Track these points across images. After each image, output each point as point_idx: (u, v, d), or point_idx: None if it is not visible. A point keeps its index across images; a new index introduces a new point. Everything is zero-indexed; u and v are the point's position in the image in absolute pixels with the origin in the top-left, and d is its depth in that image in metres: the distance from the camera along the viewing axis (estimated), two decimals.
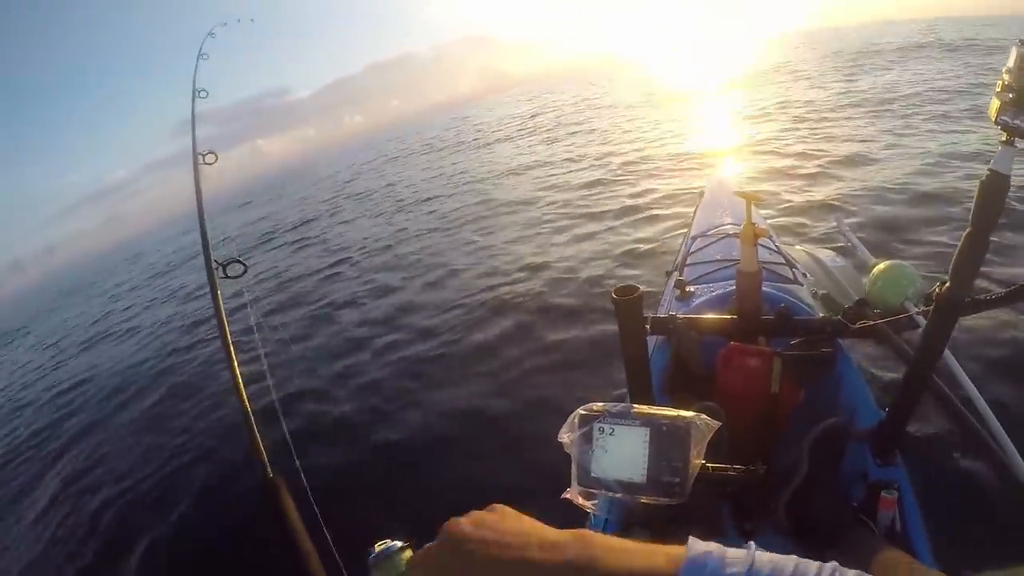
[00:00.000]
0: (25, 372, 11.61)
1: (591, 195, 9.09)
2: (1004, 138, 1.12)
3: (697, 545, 0.49)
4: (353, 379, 4.96)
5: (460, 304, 5.93)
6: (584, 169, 11.30)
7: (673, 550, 0.50)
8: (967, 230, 1.24)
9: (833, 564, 0.46)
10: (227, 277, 2.03)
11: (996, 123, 1.08)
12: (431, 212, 11.20)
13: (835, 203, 6.07)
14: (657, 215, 7.21)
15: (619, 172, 10.26)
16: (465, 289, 6.35)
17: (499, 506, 0.60)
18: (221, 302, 1.96)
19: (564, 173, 11.32)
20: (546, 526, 0.56)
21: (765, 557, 0.47)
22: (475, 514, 0.59)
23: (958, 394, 1.60)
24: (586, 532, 0.54)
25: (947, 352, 1.50)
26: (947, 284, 1.32)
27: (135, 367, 7.99)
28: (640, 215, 7.41)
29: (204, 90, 3.26)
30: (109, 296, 18.55)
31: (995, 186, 1.18)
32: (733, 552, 0.47)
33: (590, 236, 7.09)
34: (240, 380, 1.53)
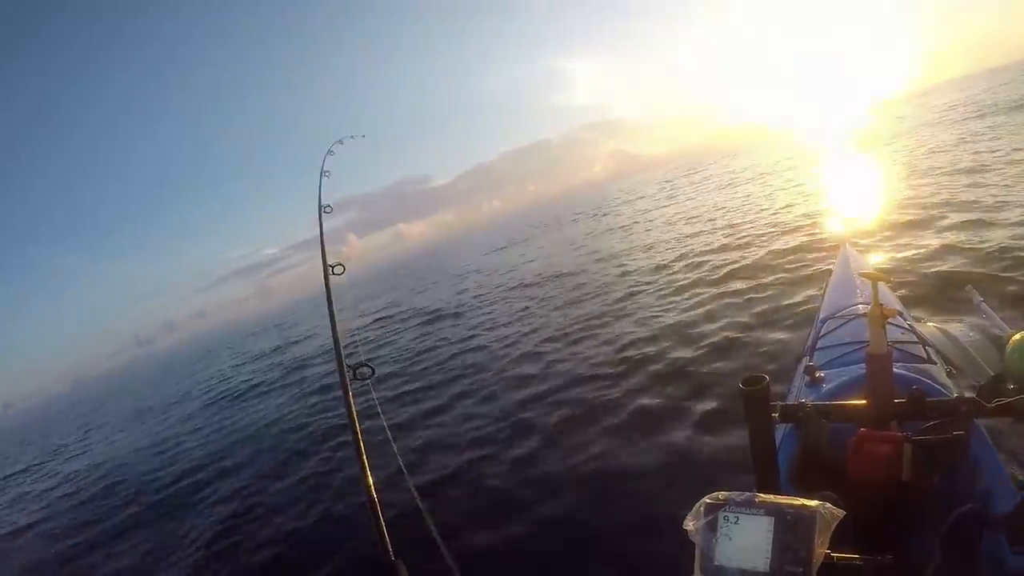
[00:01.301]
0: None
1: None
2: None
3: None
4: (482, 467, 5.05)
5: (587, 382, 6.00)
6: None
7: None
8: None
9: None
10: (356, 379, 2.23)
11: None
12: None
13: (964, 272, 5.73)
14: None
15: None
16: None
17: None
18: (352, 402, 2.12)
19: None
20: None
21: None
22: None
23: None
24: None
25: None
26: None
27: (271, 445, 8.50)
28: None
29: (329, 206, 3.51)
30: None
31: None
32: None
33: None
34: (367, 465, 1.66)
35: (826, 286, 4.00)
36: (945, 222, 7.89)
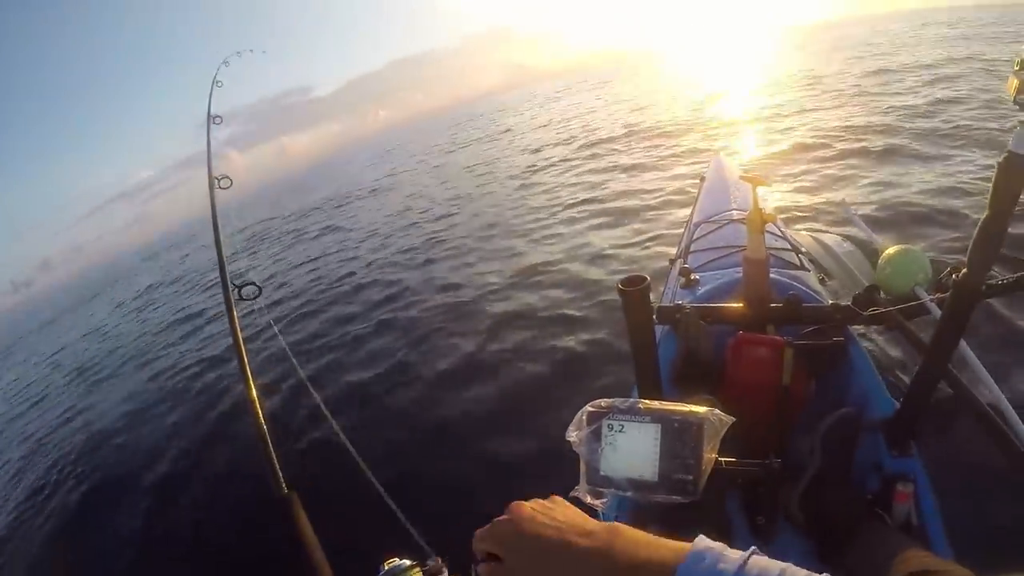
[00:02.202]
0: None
1: None
2: None
3: (702, 541, 0.55)
4: (365, 393, 4.90)
5: (474, 304, 5.91)
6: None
7: (681, 545, 0.57)
8: (985, 214, 1.20)
9: None
10: (242, 299, 2.09)
11: (1015, 103, 1.04)
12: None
13: (843, 186, 6.02)
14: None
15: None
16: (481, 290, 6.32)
17: (556, 497, 0.73)
18: (237, 322, 1.97)
19: None
20: (589, 518, 0.67)
21: (761, 561, 0.51)
22: (537, 501, 0.71)
23: (972, 382, 1.56)
24: (616, 525, 0.63)
25: (961, 339, 1.47)
26: (964, 271, 1.28)
27: (151, 380, 8.04)
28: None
29: (219, 116, 3.25)
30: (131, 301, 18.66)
31: (1014, 167, 1.13)
32: (732, 552, 0.53)
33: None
34: (255, 395, 1.53)
35: (699, 191, 4.06)
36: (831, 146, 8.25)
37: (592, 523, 0.66)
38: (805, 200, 5.99)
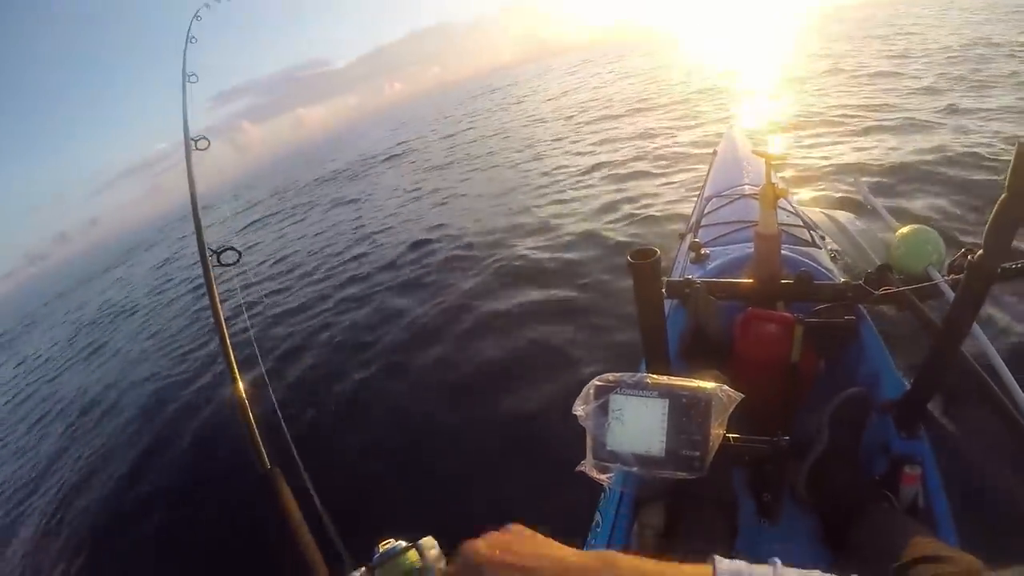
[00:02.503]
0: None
1: None
2: None
3: (722, 564, 0.48)
4: (355, 368, 4.73)
5: (472, 275, 5.79)
6: None
7: (699, 570, 0.49)
8: (1002, 195, 1.17)
9: None
10: (220, 264, 1.97)
11: None
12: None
13: (857, 164, 5.93)
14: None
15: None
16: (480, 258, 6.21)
17: (515, 526, 0.60)
18: (216, 290, 1.90)
19: None
20: (563, 547, 0.56)
21: (790, 572, 0.46)
22: (491, 536, 0.58)
23: (984, 366, 1.55)
24: (610, 554, 0.52)
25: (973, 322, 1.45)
26: (980, 252, 1.26)
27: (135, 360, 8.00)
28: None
29: (194, 74, 3.15)
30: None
31: None
32: (760, 570, 0.47)
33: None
34: (236, 369, 1.49)
35: (711, 164, 3.99)
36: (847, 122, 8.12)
37: (573, 555, 0.54)
38: (819, 176, 5.91)
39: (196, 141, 2.63)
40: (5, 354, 15.87)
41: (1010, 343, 2.85)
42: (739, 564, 0.48)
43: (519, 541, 0.57)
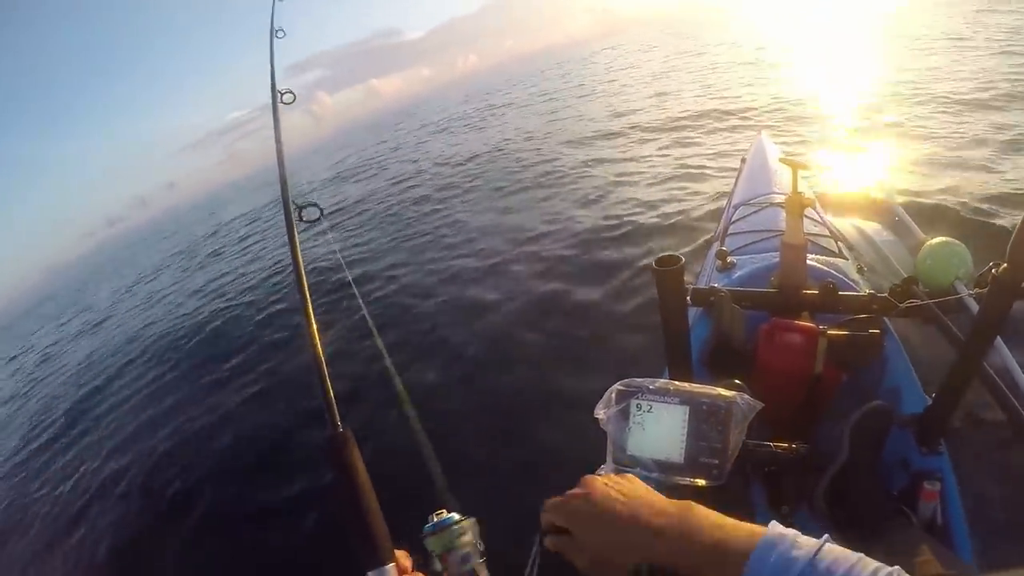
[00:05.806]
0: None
1: None
2: None
3: (776, 527, 0.57)
4: (432, 337, 4.77)
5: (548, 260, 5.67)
6: None
7: (754, 529, 0.59)
8: None
9: (897, 569, 0.51)
10: (302, 220, 1.98)
11: None
12: None
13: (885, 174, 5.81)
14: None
15: None
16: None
17: (630, 475, 0.76)
18: (298, 246, 1.90)
19: None
20: (662, 496, 0.69)
21: (834, 550, 0.53)
22: (610, 476, 0.75)
23: (1007, 382, 1.54)
24: (690, 504, 0.66)
25: (998, 338, 1.44)
26: (1004, 266, 1.25)
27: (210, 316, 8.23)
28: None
29: (281, 29, 3.21)
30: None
31: None
32: (805, 539, 0.55)
33: None
34: (315, 329, 1.49)
35: (739, 172, 3.97)
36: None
37: (664, 502, 0.68)
38: (847, 187, 5.79)
39: (283, 95, 2.66)
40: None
41: None
42: (790, 531, 0.56)
43: (630, 485, 0.72)
